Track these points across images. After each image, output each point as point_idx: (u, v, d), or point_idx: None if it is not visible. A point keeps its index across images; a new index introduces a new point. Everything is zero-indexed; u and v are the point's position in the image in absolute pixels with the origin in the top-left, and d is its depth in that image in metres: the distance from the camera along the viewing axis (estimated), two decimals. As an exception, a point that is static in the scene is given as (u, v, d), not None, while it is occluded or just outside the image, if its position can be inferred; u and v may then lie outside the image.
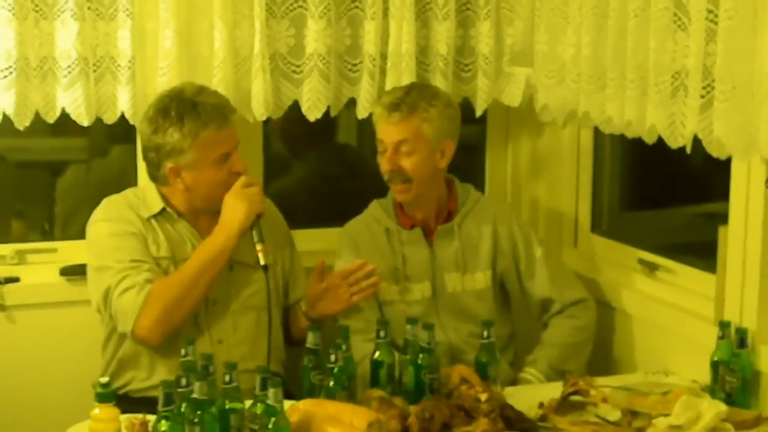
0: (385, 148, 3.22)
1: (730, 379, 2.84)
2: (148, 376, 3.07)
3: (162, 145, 3.02)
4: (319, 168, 4.06)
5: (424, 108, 3.20)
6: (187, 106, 3.00)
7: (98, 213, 3.13)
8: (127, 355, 3.09)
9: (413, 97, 3.21)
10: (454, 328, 3.28)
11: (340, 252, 3.36)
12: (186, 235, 3.11)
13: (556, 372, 3.18)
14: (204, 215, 3.12)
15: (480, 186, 3.86)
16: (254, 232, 3.04)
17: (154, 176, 3.10)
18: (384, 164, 3.23)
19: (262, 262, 3.04)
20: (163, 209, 3.09)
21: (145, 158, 3.10)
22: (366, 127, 3.66)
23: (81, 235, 3.30)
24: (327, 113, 3.37)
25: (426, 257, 3.30)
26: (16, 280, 3.36)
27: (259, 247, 3.04)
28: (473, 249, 3.32)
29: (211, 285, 3.02)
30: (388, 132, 3.21)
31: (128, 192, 3.19)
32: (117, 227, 3.06)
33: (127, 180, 3.46)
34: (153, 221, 3.09)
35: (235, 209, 3.02)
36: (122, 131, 3.40)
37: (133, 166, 3.46)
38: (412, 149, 3.20)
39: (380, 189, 3.37)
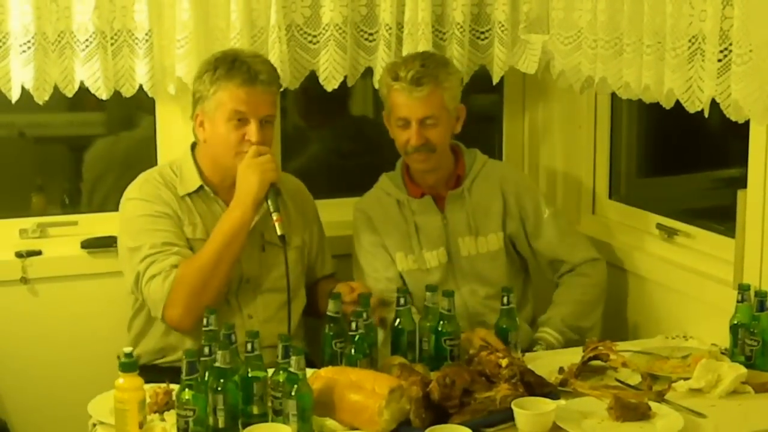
0: (409, 122, 3.18)
1: (750, 342, 2.84)
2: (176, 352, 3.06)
3: (196, 91, 3.05)
4: (335, 143, 4.05)
5: (445, 78, 3.18)
6: (228, 59, 3.02)
7: (134, 190, 3.10)
8: (155, 335, 3.10)
9: (432, 68, 3.17)
10: (471, 292, 3.29)
11: (356, 229, 3.35)
12: (220, 214, 3.05)
13: (571, 329, 3.20)
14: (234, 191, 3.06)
15: (497, 154, 3.87)
16: (269, 202, 2.99)
17: (194, 131, 3.09)
18: (413, 139, 3.18)
19: (279, 232, 2.97)
20: (200, 187, 3.08)
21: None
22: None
23: (102, 207, 3.32)
24: (344, 83, 3.38)
25: (438, 224, 3.30)
26: (38, 253, 3.38)
27: (275, 216, 2.97)
28: (484, 211, 3.31)
29: (235, 261, 2.99)
30: (413, 108, 3.16)
31: (165, 166, 3.15)
32: (152, 208, 3.03)
33: (149, 153, 3.48)
34: (188, 199, 3.07)
35: (248, 179, 2.97)
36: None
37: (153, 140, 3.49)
38: (437, 121, 3.18)
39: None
